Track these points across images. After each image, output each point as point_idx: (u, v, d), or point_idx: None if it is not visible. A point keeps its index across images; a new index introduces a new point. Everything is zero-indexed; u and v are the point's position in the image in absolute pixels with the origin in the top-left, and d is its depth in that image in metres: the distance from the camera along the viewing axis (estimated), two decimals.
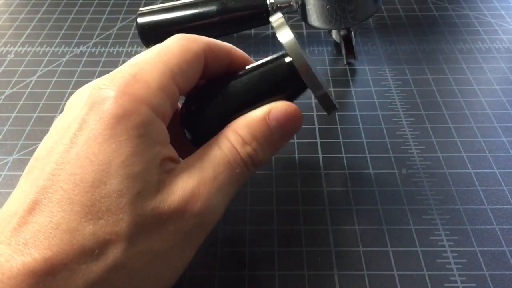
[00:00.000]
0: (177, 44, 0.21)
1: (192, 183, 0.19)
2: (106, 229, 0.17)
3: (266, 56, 0.25)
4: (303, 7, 0.35)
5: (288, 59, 0.23)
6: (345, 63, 0.38)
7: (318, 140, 0.32)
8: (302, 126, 0.32)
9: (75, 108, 0.20)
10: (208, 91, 0.23)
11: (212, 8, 0.36)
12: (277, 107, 0.22)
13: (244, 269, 0.24)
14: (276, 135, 0.22)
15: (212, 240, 0.26)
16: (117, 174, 0.18)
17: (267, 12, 0.36)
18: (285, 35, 0.22)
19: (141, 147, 0.18)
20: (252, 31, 0.42)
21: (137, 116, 0.18)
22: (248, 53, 0.40)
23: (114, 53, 0.40)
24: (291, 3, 0.36)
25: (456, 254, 0.25)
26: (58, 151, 0.18)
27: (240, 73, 0.24)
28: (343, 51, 0.38)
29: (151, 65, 0.20)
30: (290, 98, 0.23)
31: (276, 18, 0.23)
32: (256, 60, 0.25)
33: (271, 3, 0.36)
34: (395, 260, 0.25)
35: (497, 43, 0.40)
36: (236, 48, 0.25)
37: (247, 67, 0.24)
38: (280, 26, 0.23)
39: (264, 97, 0.23)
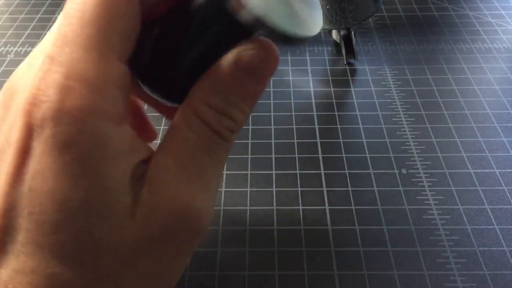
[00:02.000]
0: (98, 7, 0.15)
1: (175, 191, 0.16)
2: (85, 275, 0.15)
3: None
4: None
5: None
6: (345, 63, 0.38)
7: (318, 140, 0.32)
8: (302, 126, 0.32)
9: (7, 123, 0.16)
10: (160, 36, 0.18)
11: None
12: (245, 54, 0.16)
13: (244, 269, 0.24)
14: (251, 88, 0.17)
15: (212, 240, 0.26)
16: (82, 213, 0.15)
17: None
18: None
19: (101, 175, 0.15)
20: None
21: (87, 137, 0.15)
22: None
23: None
24: None
25: (456, 254, 0.25)
26: (3, 181, 0.15)
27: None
28: (343, 51, 0.38)
29: (79, 51, 0.15)
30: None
31: None
32: None
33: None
34: (395, 260, 0.25)
35: (497, 43, 0.40)
36: None
37: None
38: None
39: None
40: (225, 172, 0.30)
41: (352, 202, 0.28)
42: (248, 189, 0.28)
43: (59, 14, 0.46)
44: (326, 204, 0.28)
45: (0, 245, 0.15)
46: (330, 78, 0.37)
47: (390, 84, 0.36)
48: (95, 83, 0.15)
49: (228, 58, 0.16)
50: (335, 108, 0.34)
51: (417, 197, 0.28)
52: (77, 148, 0.15)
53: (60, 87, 0.15)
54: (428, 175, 0.29)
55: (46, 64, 0.15)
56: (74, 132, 0.15)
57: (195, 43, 0.17)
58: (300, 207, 0.27)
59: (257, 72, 0.17)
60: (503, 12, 0.44)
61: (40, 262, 0.14)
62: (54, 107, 0.14)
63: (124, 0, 0.16)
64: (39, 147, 0.15)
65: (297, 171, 0.29)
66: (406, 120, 0.33)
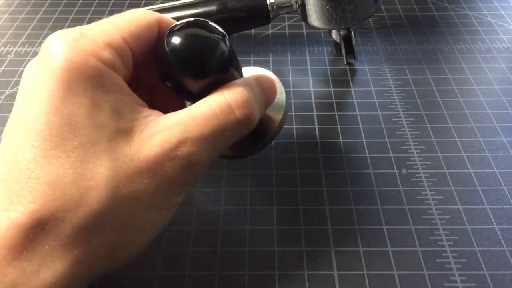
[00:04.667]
0: (129, 12, 0.22)
1: (174, 132, 0.19)
2: (85, 176, 0.18)
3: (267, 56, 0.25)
4: (303, 7, 0.35)
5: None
6: (345, 63, 0.38)
7: (318, 140, 0.32)
8: (302, 126, 0.33)
9: (28, 73, 0.20)
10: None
11: (212, 8, 0.36)
12: (263, 76, 0.24)
13: (244, 269, 0.24)
14: (263, 99, 0.24)
15: (212, 240, 0.26)
16: (84, 125, 0.18)
17: (267, 12, 0.36)
18: None
19: (99, 97, 0.19)
20: (252, 31, 0.42)
21: (88, 68, 0.19)
22: (248, 53, 0.40)
23: None
24: (291, 3, 0.36)
25: (456, 254, 0.25)
26: (22, 113, 0.19)
27: None
28: (343, 51, 0.38)
29: (100, 25, 0.21)
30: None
31: None
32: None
33: (271, 3, 0.36)
34: (395, 260, 0.25)
35: (497, 43, 0.40)
36: None
37: None
38: None
39: None
40: (225, 172, 0.30)
41: (352, 202, 0.28)
42: (248, 189, 0.28)
43: (58, 14, 0.46)
44: (326, 204, 0.27)
45: (11, 165, 0.18)
46: (330, 78, 0.37)
47: (390, 84, 0.36)
48: (100, 41, 0.20)
49: (252, 75, 0.24)
50: (335, 108, 0.34)
51: (417, 197, 0.28)
52: (80, 74, 0.19)
53: (72, 36, 0.20)
54: (428, 175, 0.29)
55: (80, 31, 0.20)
56: (78, 62, 0.19)
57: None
58: (300, 207, 0.27)
59: (266, 91, 0.24)
60: (503, 12, 0.44)
61: (44, 172, 0.18)
62: (64, 45, 0.19)
63: (147, 21, 0.22)
64: (47, 75, 0.19)
65: (297, 171, 0.29)
66: (406, 120, 0.33)
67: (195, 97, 0.21)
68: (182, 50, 0.20)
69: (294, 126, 0.33)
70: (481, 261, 0.24)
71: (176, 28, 0.21)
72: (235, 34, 0.41)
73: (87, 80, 0.19)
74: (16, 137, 0.18)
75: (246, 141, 0.24)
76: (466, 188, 0.28)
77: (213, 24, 0.22)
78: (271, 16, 0.36)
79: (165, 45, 0.20)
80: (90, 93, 0.19)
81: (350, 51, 0.37)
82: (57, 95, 0.18)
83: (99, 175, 0.18)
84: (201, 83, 0.21)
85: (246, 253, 0.25)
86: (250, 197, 0.28)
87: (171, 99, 0.25)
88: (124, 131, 0.19)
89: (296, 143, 0.31)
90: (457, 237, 0.26)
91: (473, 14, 0.44)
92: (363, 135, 0.32)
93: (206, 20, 0.22)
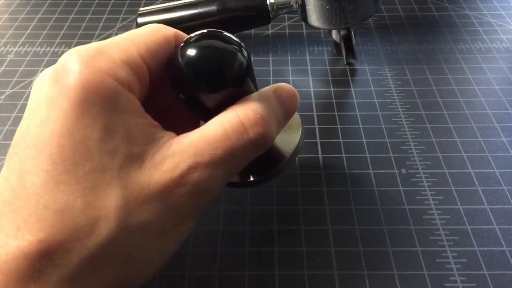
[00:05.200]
0: (147, 28, 0.22)
1: (185, 157, 0.19)
2: (95, 204, 0.17)
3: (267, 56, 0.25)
4: (303, 7, 0.35)
5: None
6: (345, 63, 0.38)
7: (318, 140, 0.32)
8: (303, 127, 0.32)
9: (41, 87, 0.19)
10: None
11: (212, 8, 0.36)
12: (280, 87, 0.22)
13: (244, 269, 0.24)
14: (282, 113, 0.22)
15: (212, 240, 0.26)
16: (96, 150, 0.18)
17: (267, 12, 0.36)
18: None
19: (113, 120, 0.18)
20: (252, 31, 0.42)
21: (103, 88, 0.18)
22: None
23: None
24: (291, 3, 0.36)
25: (456, 254, 0.25)
26: (32, 132, 0.18)
27: None
28: (343, 51, 0.38)
29: (117, 41, 0.20)
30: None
31: None
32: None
33: (271, 3, 0.36)
34: (395, 260, 0.25)
35: (497, 43, 0.40)
36: None
37: None
38: None
39: None
40: None
41: (352, 202, 0.28)
42: (248, 190, 0.28)
43: (59, 14, 0.46)
44: (326, 204, 0.27)
45: (20, 188, 0.17)
46: (330, 78, 0.37)
47: (390, 84, 0.36)
48: (117, 59, 0.19)
49: (270, 86, 0.22)
50: (335, 108, 0.34)
51: (417, 197, 0.28)
52: (95, 94, 0.18)
53: (89, 53, 0.19)
54: (428, 175, 0.29)
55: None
56: (93, 81, 0.18)
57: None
58: (300, 207, 0.27)
59: (286, 103, 0.22)
60: (503, 12, 0.44)
61: (54, 199, 0.17)
62: (80, 63, 0.19)
63: (164, 36, 0.21)
64: (61, 94, 0.18)
65: (297, 171, 0.29)
66: (406, 120, 0.33)
67: (210, 114, 0.21)
68: (196, 61, 0.20)
69: None
70: (481, 261, 0.24)
71: (191, 39, 0.20)
72: (235, 34, 0.41)
73: (102, 101, 0.18)
74: (25, 158, 0.18)
75: (254, 168, 0.23)
76: (466, 188, 0.28)
77: (229, 35, 0.21)
78: (271, 16, 0.36)
79: (179, 57, 0.20)
80: (104, 115, 0.18)
81: (350, 51, 0.37)
82: (71, 116, 0.18)
83: (108, 204, 0.17)
84: (216, 97, 0.20)
85: (246, 253, 0.25)
86: (250, 197, 0.28)
87: (186, 118, 0.24)
88: (136, 156, 0.18)
89: None
90: (457, 237, 0.26)
91: (473, 14, 0.44)
92: (363, 135, 0.32)
93: (221, 30, 0.21)
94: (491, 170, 0.29)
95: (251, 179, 0.23)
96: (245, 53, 0.21)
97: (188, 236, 0.26)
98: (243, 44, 0.21)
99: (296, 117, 0.25)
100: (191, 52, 0.20)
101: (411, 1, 0.46)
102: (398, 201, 0.28)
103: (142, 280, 0.20)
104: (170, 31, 0.22)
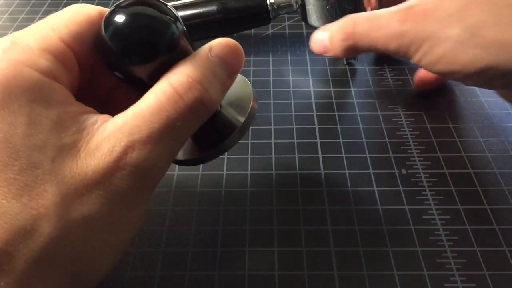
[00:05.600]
0: (68, 9, 0.20)
1: (120, 137, 0.17)
2: (31, 204, 0.16)
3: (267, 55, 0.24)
4: (303, 7, 0.35)
5: None
6: (345, 63, 0.38)
7: (318, 140, 0.32)
8: (302, 126, 0.32)
9: None
10: None
11: (212, 8, 0.36)
12: (217, 43, 0.20)
13: (244, 269, 0.24)
14: (222, 72, 0.20)
15: (212, 240, 0.26)
16: (23, 147, 0.17)
17: (267, 12, 0.36)
18: None
19: (37, 112, 0.17)
20: (252, 31, 0.42)
21: (22, 80, 0.17)
22: (248, 53, 0.40)
23: None
24: (291, 3, 0.36)
25: (456, 254, 0.25)
26: None
27: None
28: None
29: (34, 29, 0.19)
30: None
31: None
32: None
33: (271, 3, 0.36)
34: (395, 260, 0.25)
35: None
36: None
37: None
38: None
39: None
40: (225, 172, 0.30)
41: (352, 202, 0.28)
42: (248, 189, 0.28)
43: None
44: (326, 204, 0.27)
45: None
46: (330, 78, 0.37)
47: (390, 84, 0.36)
48: (34, 47, 0.18)
49: (206, 45, 0.20)
50: (335, 108, 0.34)
51: (417, 197, 0.28)
52: (14, 88, 0.17)
53: (3, 46, 0.18)
54: (428, 175, 0.29)
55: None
56: (11, 74, 0.17)
57: None
58: (300, 207, 0.27)
59: (228, 61, 0.20)
60: None
61: None
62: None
63: (88, 16, 0.20)
64: None
65: (297, 171, 0.29)
66: (406, 120, 0.33)
67: (149, 87, 0.19)
68: (117, 31, 0.18)
69: (294, 127, 0.33)
70: (481, 261, 0.24)
71: (112, 10, 0.19)
72: (235, 34, 0.41)
73: (22, 94, 0.17)
74: None
75: (205, 141, 0.22)
76: (466, 188, 0.28)
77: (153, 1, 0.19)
78: (271, 16, 0.36)
79: (102, 28, 0.18)
80: (27, 109, 0.17)
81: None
82: None
83: (46, 202, 0.16)
84: (147, 69, 0.19)
85: (246, 253, 0.25)
86: (250, 197, 0.28)
87: (134, 100, 0.21)
88: (69, 146, 0.17)
89: (296, 143, 0.31)
90: (457, 237, 0.26)
91: None
92: (363, 135, 0.32)
93: None
94: (491, 170, 0.29)
95: (202, 154, 0.22)
96: (174, 14, 0.19)
97: (188, 236, 0.26)
98: (173, 8, 0.19)
99: (246, 82, 0.24)
100: (113, 22, 0.18)
101: None
102: (398, 201, 0.28)
103: (100, 275, 0.19)
104: (94, 9, 0.20)
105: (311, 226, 0.26)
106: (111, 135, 0.17)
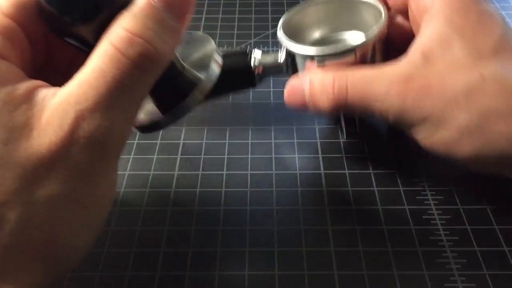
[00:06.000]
0: None
1: (67, 109, 0.16)
2: None
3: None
4: (294, 67, 0.28)
5: None
6: (345, 137, 0.32)
7: (318, 141, 0.32)
8: (303, 127, 0.32)
9: None
10: None
11: None
12: None
13: (244, 269, 0.24)
14: (168, 17, 0.18)
15: (212, 240, 0.26)
16: None
17: (252, 77, 0.29)
18: None
19: None
20: (252, 31, 0.42)
21: None
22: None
23: None
24: (280, 63, 0.28)
25: (456, 254, 0.25)
26: None
27: None
28: (342, 122, 0.31)
29: None
30: None
31: None
32: None
33: (255, 65, 0.28)
34: (395, 260, 0.25)
35: None
36: None
37: None
38: None
39: None
40: (225, 172, 0.30)
41: (352, 202, 0.28)
42: (248, 189, 0.28)
43: None
44: (326, 204, 0.27)
45: None
46: None
47: None
48: None
49: None
50: None
51: (417, 197, 0.28)
52: None
53: None
54: (428, 175, 0.29)
55: None
56: None
57: None
58: (300, 207, 0.27)
59: (173, 2, 0.18)
60: (503, 12, 0.44)
61: None
62: None
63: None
64: None
65: (297, 171, 0.29)
66: None
67: None
68: None
69: (295, 127, 0.33)
70: (481, 261, 0.24)
71: None
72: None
73: None
74: None
75: (165, 103, 0.21)
76: (466, 188, 0.28)
77: None
78: (255, 79, 0.29)
79: None
80: None
81: (351, 125, 0.31)
82: None
83: (5, 188, 0.16)
84: (91, 26, 0.18)
85: (246, 253, 0.25)
86: (250, 197, 0.28)
87: None
88: (21, 126, 0.16)
89: (296, 143, 0.31)
90: (457, 237, 0.26)
91: None
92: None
93: None
94: None
95: (162, 116, 0.21)
96: None
97: (188, 236, 0.26)
98: None
99: (208, 39, 0.23)
100: None
101: None
102: (398, 201, 0.28)
103: (77, 255, 0.18)
104: None
105: (311, 226, 0.26)
106: (59, 107, 0.16)
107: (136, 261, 0.25)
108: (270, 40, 0.41)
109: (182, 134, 0.32)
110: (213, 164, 0.30)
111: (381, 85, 0.23)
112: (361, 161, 0.30)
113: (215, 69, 0.21)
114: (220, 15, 0.45)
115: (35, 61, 0.20)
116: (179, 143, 0.32)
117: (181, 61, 0.21)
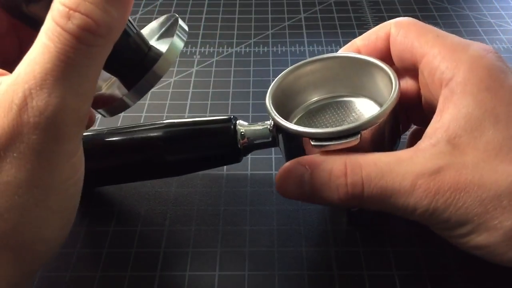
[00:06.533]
0: None
1: (16, 89, 0.16)
2: None
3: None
4: (285, 142, 0.25)
5: None
6: (346, 223, 0.27)
7: None
8: None
9: None
10: None
11: (156, 135, 0.26)
12: None
13: (244, 269, 0.24)
14: None
15: (212, 240, 0.26)
16: None
17: (237, 152, 0.26)
18: None
19: None
20: (252, 31, 0.42)
21: None
22: (248, 53, 0.40)
23: None
24: (268, 136, 0.25)
25: (456, 254, 0.25)
26: None
27: None
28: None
29: None
30: None
31: None
32: None
33: (242, 135, 0.25)
34: (395, 260, 0.25)
35: (497, 43, 0.40)
36: None
37: None
38: None
39: None
40: (225, 172, 0.30)
41: None
42: (248, 189, 0.29)
43: None
44: None
45: None
46: None
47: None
48: None
49: None
50: None
51: None
52: None
53: None
54: None
55: None
56: None
57: None
58: (300, 208, 0.27)
59: None
60: (502, 12, 0.44)
61: None
62: None
63: None
64: None
65: None
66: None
67: None
68: None
69: None
70: (481, 261, 0.24)
71: None
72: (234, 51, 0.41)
73: None
74: None
75: (130, 82, 0.20)
76: None
77: None
78: (241, 153, 0.26)
79: None
80: None
81: (363, 224, 0.27)
82: None
83: None
84: (41, 6, 0.17)
85: (246, 253, 0.25)
86: (250, 197, 0.28)
87: None
88: None
89: None
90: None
91: (473, 14, 0.44)
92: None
93: None
94: None
95: (125, 94, 0.20)
96: None
97: (188, 236, 0.26)
98: None
99: (175, 18, 0.22)
100: None
101: (411, 1, 0.46)
102: None
103: (49, 245, 0.18)
104: None
105: (311, 226, 0.26)
106: (8, 89, 0.16)
107: (136, 261, 0.25)
108: (270, 40, 0.41)
109: None
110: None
111: (404, 178, 0.20)
112: None
113: (178, 43, 0.21)
114: (220, 15, 0.45)
115: (5, 54, 0.19)
116: None
117: (143, 36, 0.21)
